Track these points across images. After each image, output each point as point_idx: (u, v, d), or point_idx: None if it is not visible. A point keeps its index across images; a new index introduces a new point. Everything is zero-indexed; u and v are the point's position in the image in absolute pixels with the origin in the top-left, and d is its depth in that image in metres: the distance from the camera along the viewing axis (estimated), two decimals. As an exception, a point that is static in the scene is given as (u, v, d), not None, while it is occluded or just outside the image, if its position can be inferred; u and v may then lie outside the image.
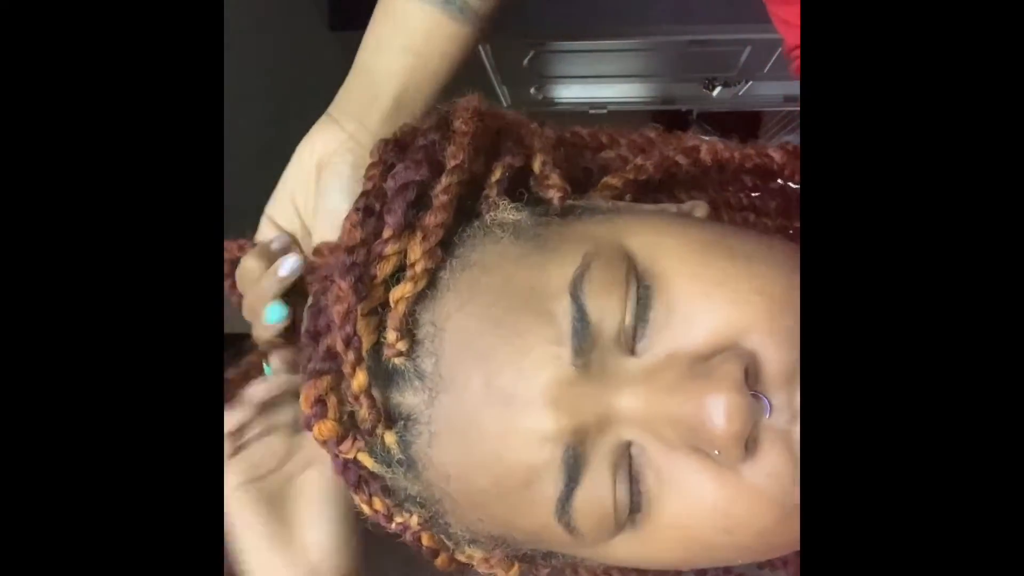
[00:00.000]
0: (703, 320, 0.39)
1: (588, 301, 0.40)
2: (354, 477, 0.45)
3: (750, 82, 2.88)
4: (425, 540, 0.46)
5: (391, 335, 0.41)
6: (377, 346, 0.42)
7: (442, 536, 0.47)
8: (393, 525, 0.46)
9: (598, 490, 0.40)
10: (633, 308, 0.40)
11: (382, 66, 0.56)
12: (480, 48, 2.22)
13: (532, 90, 2.40)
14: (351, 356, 0.41)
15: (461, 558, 0.47)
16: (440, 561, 0.48)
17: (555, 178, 0.46)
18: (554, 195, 0.46)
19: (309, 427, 0.44)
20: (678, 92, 3.19)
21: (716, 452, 0.38)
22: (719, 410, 0.37)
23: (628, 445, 0.40)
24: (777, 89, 3.01)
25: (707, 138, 0.52)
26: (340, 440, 0.43)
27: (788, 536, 0.40)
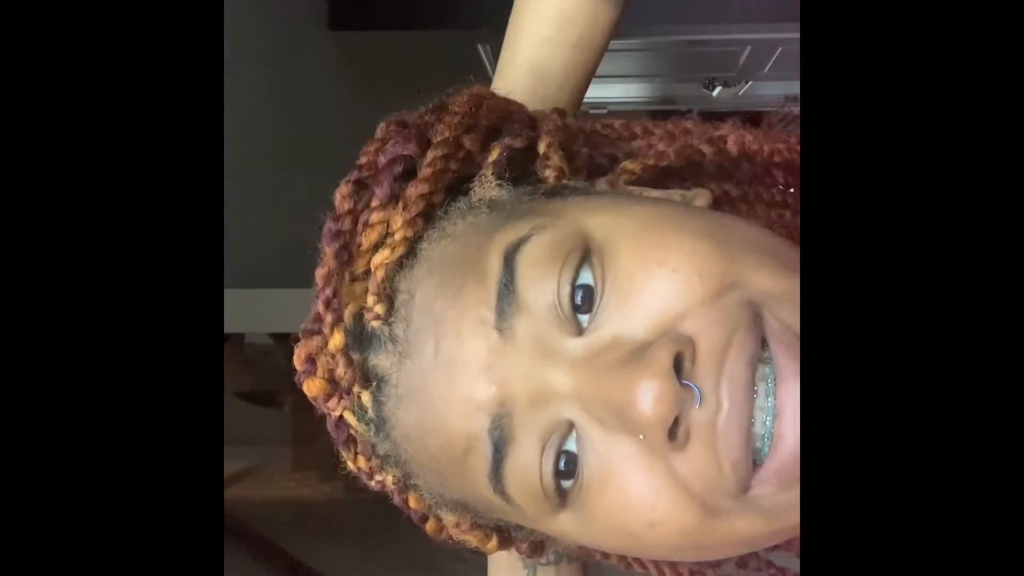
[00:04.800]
0: (646, 301, 0.40)
1: (520, 270, 0.40)
2: (344, 435, 0.46)
3: (750, 82, 2.89)
4: (412, 503, 0.47)
5: (370, 299, 0.43)
6: (362, 311, 0.43)
7: (421, 497, 0.47)
8: (373, 483, 0.47)
9: (524, 463, 0.40)
10: (569, 284, 0.40)
11: (558, 65, 0.57)
12: (480, 48, 2.22)
13: (532, 90, 2.40)
14: (329, 317, 0.43)
15: (442, 522, 0.48)
16: (430, 527, 0.48)
17: (556, 159, 0.47)
18: (550, 175, 0.46)
19: (300, 384, 0.45)
20: (678, 92, 3.20)
21: (641, 436, 0.38)
22: (646, 395, 0.37)
23: (569, 423, 0.40)
24: (777, 89, 3.02)
25: (738, 128, 0.51)
26: (327, 398, 0.45)
27: (712, 540, 0.40)
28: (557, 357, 0.40)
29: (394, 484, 0.46)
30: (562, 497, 0.41)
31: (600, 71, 0.61)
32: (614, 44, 0.61)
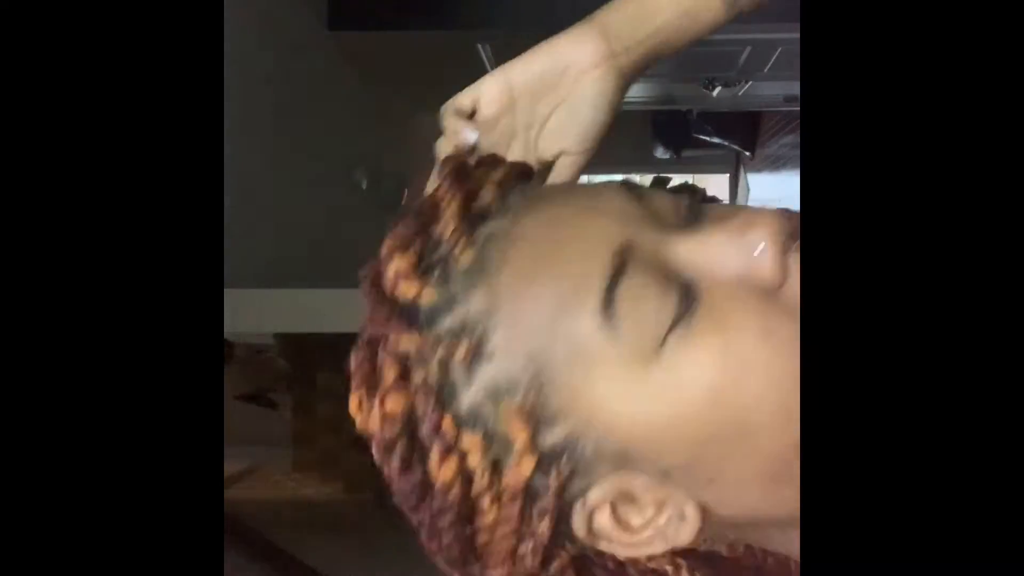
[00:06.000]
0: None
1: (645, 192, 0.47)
2: (399, 321, 0.45)
3: (750, 82, 2.89)
4: (445, 423, 0.43)
5: (486, 192, 0.47)
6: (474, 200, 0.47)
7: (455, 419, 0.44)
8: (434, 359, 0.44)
9: (645, 282, 0.42)
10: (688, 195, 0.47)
11: (662, 15, 0.62)
12: (480, 48, 2.22)
13: (532, 90, 2.40)
14: (452, 187, 0.46)
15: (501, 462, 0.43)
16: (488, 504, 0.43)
17: None
18: None
19: (384, 256, 0.45)
20: (678, 92, 3.20)
21: (757, 250, 0.42)
22: (763, 217, 0.43)
23: (687, 285, 0.43)
24: (777, 89, 3.01)
25: None
26: (408, 276, 0.44)
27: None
28: (677, 231, 0.45)
29: (467, 351, 0.43)
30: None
31: (600, 71, 0.62)
32: (614, 44, 0.62)
